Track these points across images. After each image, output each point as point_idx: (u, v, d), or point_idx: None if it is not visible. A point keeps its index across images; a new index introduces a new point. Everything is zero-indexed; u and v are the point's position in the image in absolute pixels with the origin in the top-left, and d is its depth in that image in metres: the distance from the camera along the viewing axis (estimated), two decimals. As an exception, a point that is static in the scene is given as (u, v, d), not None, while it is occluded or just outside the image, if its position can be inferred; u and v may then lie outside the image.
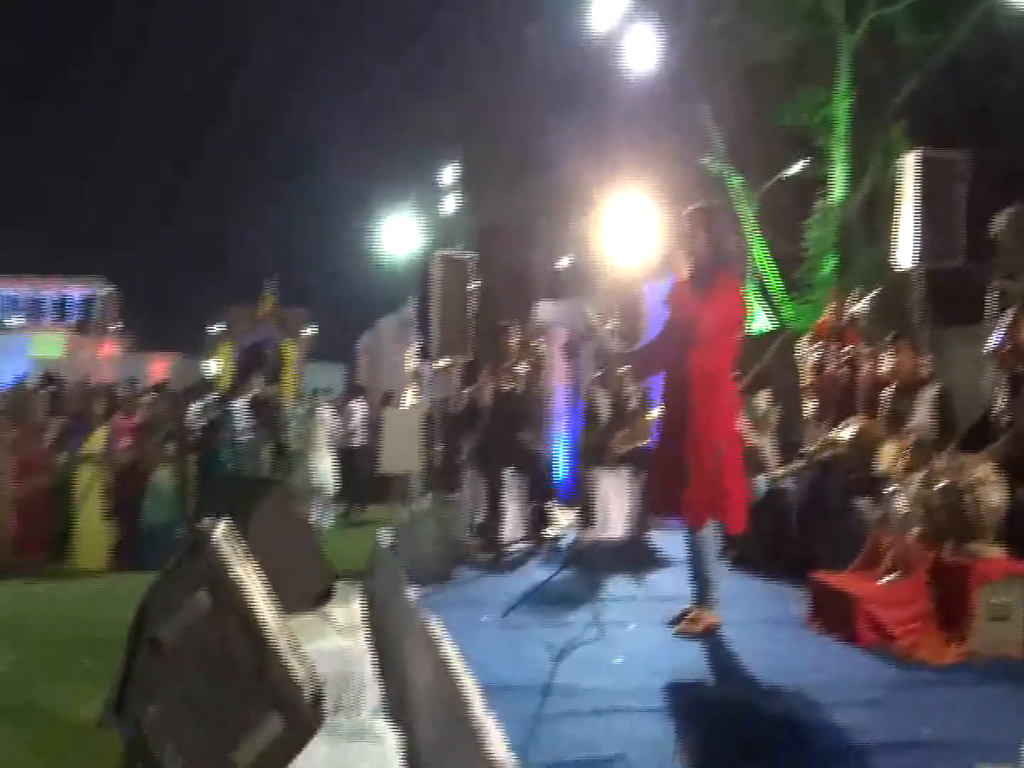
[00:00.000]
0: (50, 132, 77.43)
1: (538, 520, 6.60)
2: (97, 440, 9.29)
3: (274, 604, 3.11)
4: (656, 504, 5.18)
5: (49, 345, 36.43)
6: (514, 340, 7.01)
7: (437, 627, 4.09)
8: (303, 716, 2.72)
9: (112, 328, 45.95)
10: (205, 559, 2.82)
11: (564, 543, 6.09)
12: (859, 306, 6.90)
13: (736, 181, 16.56)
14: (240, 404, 13.17)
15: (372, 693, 3.69)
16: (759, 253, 15.82)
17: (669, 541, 5.80)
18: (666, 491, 4.56)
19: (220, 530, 2.98)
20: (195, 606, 2.72)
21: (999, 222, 7.06)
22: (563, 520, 6.81)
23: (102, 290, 44.81)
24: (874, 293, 6.94)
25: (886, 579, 4.36)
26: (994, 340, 6.19)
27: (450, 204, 26.89)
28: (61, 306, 47.76)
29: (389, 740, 2.90)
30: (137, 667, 2.68)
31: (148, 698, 2.65)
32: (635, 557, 6.20)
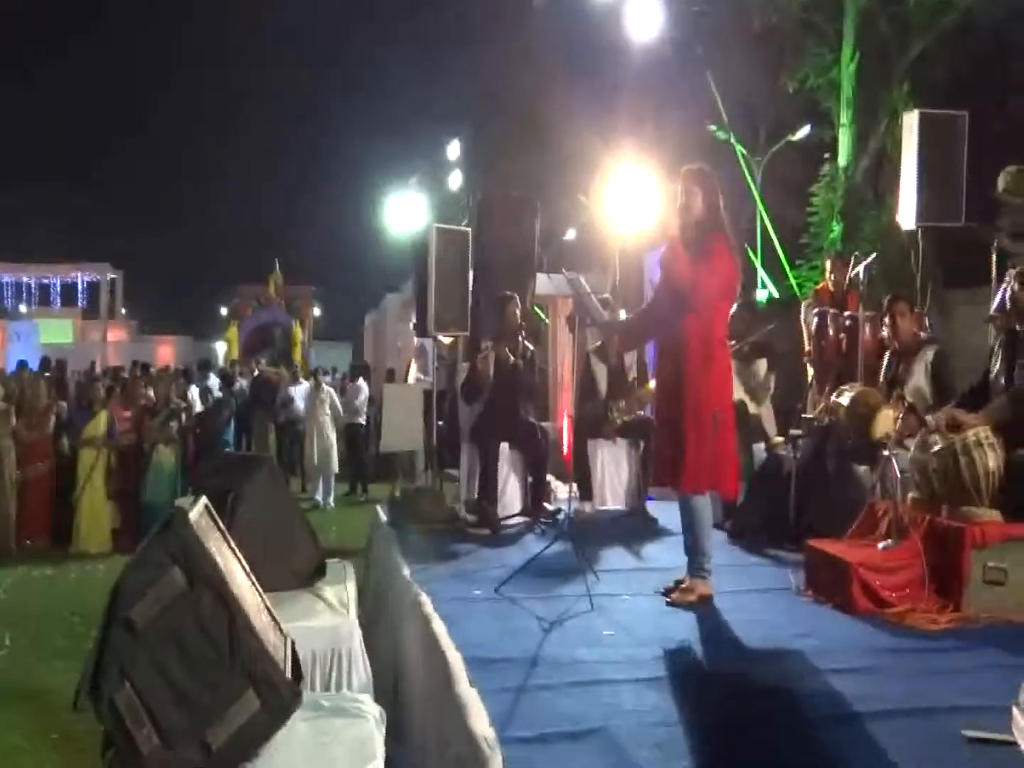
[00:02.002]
0: (53, 116, 77.43)
1: (536, 494, 6.56)
2: (99, 424, 9.30)
3: (258, 581, 3.08)
4: (657, 474, 5.11)
5: (58, 331, 36.70)
6: (516, 312, 6.93)
7: (427, 602, 4.07)
8: (280, 694, 2.69)
9: (119, 312, 46.19)
10: (179, 537, 2.78)
11: (562, 516, 6.04)
12: (857, 270, 6.79)
13: (741, 147, 16.39)
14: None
15: (360, 670, 3.66)
16: (764, 219, 15.68)
17: (667, 512, 5.75)
18: (664, 460, 4.51)
19: (197, 508, 2.95)
20: (169, 584, 2.69)
21: (1002, 181, 6.95)
22: (561, 493, 6.77)
23: (108, 275, 44.97)
24: (871, 258, 6.83)
25: (882, 545, 4.31)
26: (996, 302, 6.11)
27: (456, 180, 26.80)
28: (68, 292, 48.01)
29: (372, 717, 2.86)
30: (111, 648, 2.65)
31: (122, 678, 2.62)
32: (632, 529, 6.17)
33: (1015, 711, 2.29)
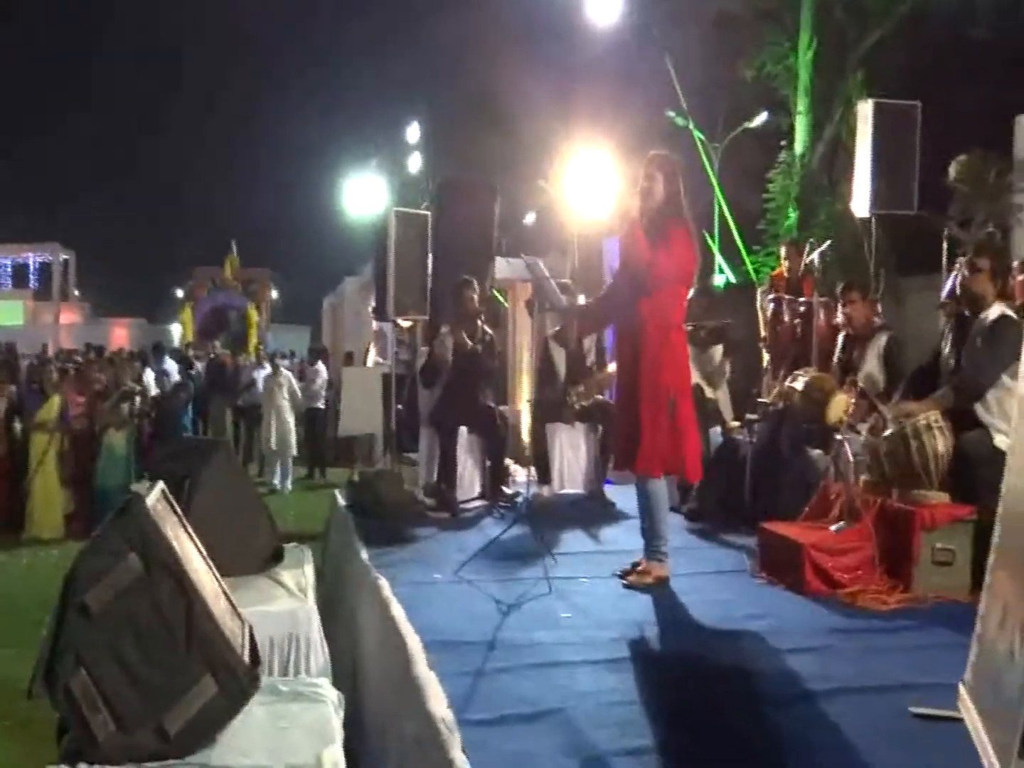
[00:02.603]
0: (4, 94, 75.63)
1: (495, 478, 6.58)
2: (52, 408, 9.15)
3: (216, 566, 3.06)
4: (617, 459, 5.15)
5: (8, 313, 35.98)
6: (474, 297, 6.92)
7: (386, 586, 4.08)
8: (238, 679, 2.68)
9: (72, 294, 45.35)
10: (136, 522, 2.76)
11: (520, 500, 6.07)
12: (812, 257, 6.89)
13: (700, 133, 16.49)
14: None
15: (318, 654, 3.66)
16: (721, 206, 15.80)
17: (625, 496, 5.80)
18: (622, 443, 4.55)
19: (154, 493, 2.93)
20: (126, 570, 2.66)
21: (953, 170, 7.08)
22: (520, 477, 6.80)
23: (60, 256, 44.09)
24: (826, 245, 6.94)
25: (834, 527, 4.39)
26: (947, 288, 6.23)
27: (415, 163, 26.68)
28: (19, 273, 46.94)
29: (330, 701, 2.86)
30: (66, 633, 2.62)
31: (78, 664, 2.60)
32: (590, 512, 6.21)
33: (961, 688, 2.35)
